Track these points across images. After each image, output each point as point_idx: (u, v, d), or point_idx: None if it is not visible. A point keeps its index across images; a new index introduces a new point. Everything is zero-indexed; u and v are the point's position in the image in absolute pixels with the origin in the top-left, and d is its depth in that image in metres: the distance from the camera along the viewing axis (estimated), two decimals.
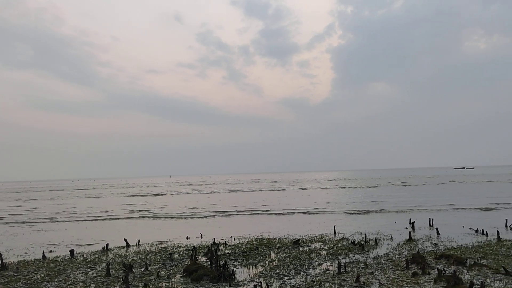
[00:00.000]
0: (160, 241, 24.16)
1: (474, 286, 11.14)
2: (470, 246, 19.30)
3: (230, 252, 19.65)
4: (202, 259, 18.19)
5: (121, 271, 16.07)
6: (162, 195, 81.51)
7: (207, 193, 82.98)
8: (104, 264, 17.53)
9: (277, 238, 23.58)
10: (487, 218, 30.63)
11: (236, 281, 14.16)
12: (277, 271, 15.36)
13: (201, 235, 25.74)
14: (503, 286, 12.19)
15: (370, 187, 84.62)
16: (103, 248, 21.95)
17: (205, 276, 14.56)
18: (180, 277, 14.92)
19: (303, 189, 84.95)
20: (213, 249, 19.63)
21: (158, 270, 15.97)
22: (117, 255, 20.03)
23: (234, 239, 24.03)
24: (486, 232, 23.00)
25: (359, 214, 35.99)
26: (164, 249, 21.26)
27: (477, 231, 23.82)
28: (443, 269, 14.20)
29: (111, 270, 16.26)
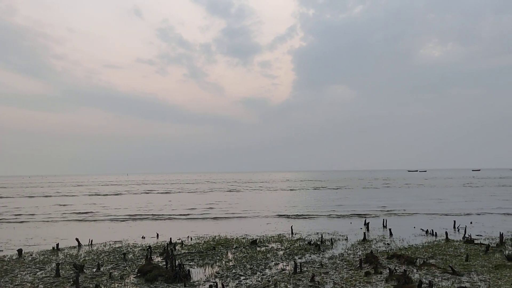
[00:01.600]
0: (114, 241, 23.50)
1: (422, 285, 11.53)
2: (420, 246, 20.01)
3: (186, 252, 19.40)
4: (157, 259, 17.83)
5: (71, 272, 15.48)
6: (111, 195, 79.53)
7: (160, 193, 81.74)
8: (54, 264, 16.82)
9: (235, 238, 23.53)
10: (437, 219, 31.90)
11: (191, 281, 13.97)
12: (234, 271, 15.30)
13: (158, 234, 25.26)
14: (450, 285, 12.69)
15: (330, 188, 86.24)
16: (53, 248, 21.09)
17: (159, 277, 14.27)
18: (134, 277, 14.55)
19: (259, 190, 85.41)
20: (169, 249, 19.31)
21: (110, 271, 15.51)
22: (68, 255, 19.30)
23: (191, 239, 23.76)
24: (436, 232, 23.95)
25: (298, 218, 36.51)
26: (118, 249, 20.69)
27: (427, 232, 24.76)
28: (395, 268, 14.63)
29: (61, 270, 15.63)
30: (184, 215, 38.04)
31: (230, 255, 18.40)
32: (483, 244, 19.92)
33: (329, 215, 36.01)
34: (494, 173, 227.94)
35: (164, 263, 16.27)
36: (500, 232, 21.88)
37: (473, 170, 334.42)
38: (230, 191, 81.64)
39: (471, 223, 29.16)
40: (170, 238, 22.76)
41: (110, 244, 22.35)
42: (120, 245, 22.09)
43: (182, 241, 22.57)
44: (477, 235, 23.45)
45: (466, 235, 22.53)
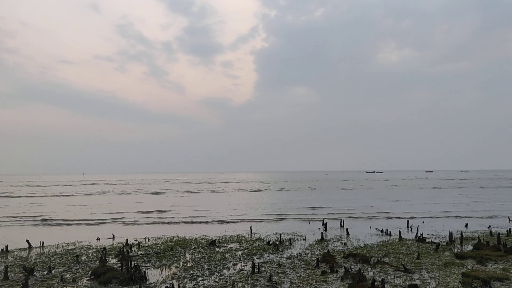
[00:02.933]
0: (67, 243, 22.67)
1: (376, 283, 11.83)
2: (375, 245, 20.57)
3: (143, 253, 19.01)
4: (112, 261, 17.35)
5: (21, 275, 14.80)
6: (64, 195, 76.97)
7: (115, 193, 79.84)
8: (2, 267, 16.02)
9: (194, 239, 23.29)
10: (392, 219, 32.90)
11: (147, 283, 13.70)
12: (191, 272, 15.14)
13: (113, 236, 24.62)
14: (401, 283, 13.11)
15: (287, 190, 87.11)
16: (2, 250, 20.10)
17: (114, 279, 13.90)
18: (87, 280, 14.09)
19: (216, 191, 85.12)
20: (125, 250, 18.86)
21: (62, 273, 14.95)
22: (18, 258, 18.44)
23: (149, 240, 23.31)
24: (390, 232, 24.70)
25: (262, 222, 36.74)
26: (71, 251, 19.98)
27: (382, 231, 25.48)
28: (350, 267, 14.95)
29: (9, 273, 14.90)
30: (127, 219, 37.26)
31: (188, 256, 18.19)
32: (434, 242, 20.73)
33: (288, 216, 36.35)
34: (446, 174, 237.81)
35: (120, 265, 15.86)
36: (449, 231, 22.82)
37: (426, 172, 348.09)
38: (188, 192, 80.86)
39: (423, 222, 30.30)
40: (127, 239, 22.23)
41: (62, 246, 21.55)
42: (73, 247, 21.34)
43: (139, 242, 22.09)
44: (428, 234, 24.36)
45: (418, 234, 23.34)
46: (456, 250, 18.82)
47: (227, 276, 14.43)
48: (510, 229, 24.68)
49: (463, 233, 23.17)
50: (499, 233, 21.30)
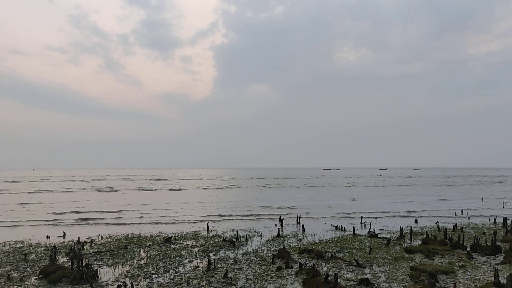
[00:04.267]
0: (15, 241, 21.66)
1: (329, 278, 12.09)
2: (330, 241, 21.02)
3: (96, 251, 18.46)
4: (63, 259, 16.76)
5: None
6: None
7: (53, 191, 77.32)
8: None
9: (149, 236, 22.90)
10: (347, 215, 33.74)
11: (99, 281, 13.33)
12: (146, 269, 14.86)
13: (64, 234, 23.75)
14: (354, 277, 13.49)
15: (247, 187, 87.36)
16: None
17: (64, 278, 13.42)
18: (35, 279, 13.52)
19: (174, 188, 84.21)
20: (76, 248, 18.26)
21: (9, 272, 14.26)
22: None
23: (102, 237, 22.67)
24: (344, 228, 25.32)
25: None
26: (19, 249, 19.10)
27: (336, 227, 26.07)
28: (305, 262, 15.19)
29: None
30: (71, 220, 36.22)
31: (142, 254, 17.84)
32: (385, 238, 21.46)
33: (246, 213, 36.48)
34: (398, 172, 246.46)
35: (70, 263, 15.33)
36: (400, 227, 23.67)
37: (380, 169, 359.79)
38: (141, 189, 79.45)
39: (376, 218, 31.27)
40: (78, 237, 21.50)
41: (10, 244, 20.56)
42: (21, 245, 20.41)
43: (91, 240, 21.44)
44: (381, 230, 25.17)
45: (371, 230, 24.07)
46: (406, 244, 19.55)
47: (183, 273, 14.29)
48: (456, 224, 25.95)
49: (412, 229, 24.12)
50: (445, 228, 22.31)
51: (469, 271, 14.18)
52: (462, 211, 35.95)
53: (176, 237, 22.25)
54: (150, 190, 72.85)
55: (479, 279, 13.14)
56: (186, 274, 14.12)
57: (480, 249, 17.60)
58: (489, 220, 30.02)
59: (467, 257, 16.33)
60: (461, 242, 18.62)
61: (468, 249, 17.76)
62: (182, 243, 20.49)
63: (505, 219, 27.31)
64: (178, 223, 29.11)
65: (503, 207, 40.36)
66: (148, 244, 20.12)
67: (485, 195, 57.86)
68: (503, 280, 12.31)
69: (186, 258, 16.81)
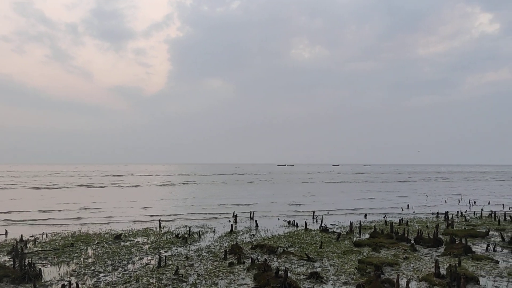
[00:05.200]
0: None
1: (279, 272, 12.23)
2: (283, 236, 21.28)
3: (40, 250, 17.65)
4: (4, 258, 15.92)
5: None
6: None
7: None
8: None
9: (97, 233, 22.20)
10: (300, 211, 34.29)
11: (43, 281, 12.76)
12: (93, 268, 14.38)
13: (6, 232, 22.55)
14: (304, 270, 13.74)
15: (202, 183, 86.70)
16: None
17: (5, 277, 12.77)
18: None
19: (123, 185, 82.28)
20: (18, 246, 17.38)
21: None
22: None
23: (47, 235, 21.73)
24: (297, 223, 25.72)
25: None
26: None
27: (289, 222, 26.44)
28: (257, 258, 15.28)
29: None
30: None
31: (90, 252, 17.26)
32: (336, 232, 22.00)
33: (200, 209, 36.21)
34: (350, 168, 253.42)
35: (12, 262, 14.57)
36: (350, 222, 24.40)
37: (333, 165, 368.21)
38: (89, 186, 77.00)
39: (327, 213, 32.02)
40: (21, 235, 20.47)
41: None
42: None
43: (35, 238, 20.47)
44: (332, 225, 25.79)
45: (322, 225, 24.60)
46: (355, 238, 20.14)
47: (132, 271, 13.96)
48: (402, 218, 27.05)
49: (362, 223, 24.88)
50: (392, 222, 23.21)
51: (412, 263, 14.83)
52: (408, 205, 37.50)
53: (127, 234, 21.72)
54: (100, 187, 70.55)
55: (421, 270, 13.77)
56: (136, 271, 13.81)
57: (423, 242, 18.45)
58: (432, 214, 31.52)
59: (411, 250, 17.06)
60: (406, 235, 19.42)
61: (412, 242, 18.57)
62: (132, 240, 20.02)
63: (447, 213, 28.76)
64: (129, 220, 28.39)
65: (446, 202, 42.52)
66: (96, 242, 19.49)
67: (430, 190, 60.72)
68: (443, 271, 12.95)
69: (136, 256, 16.44)
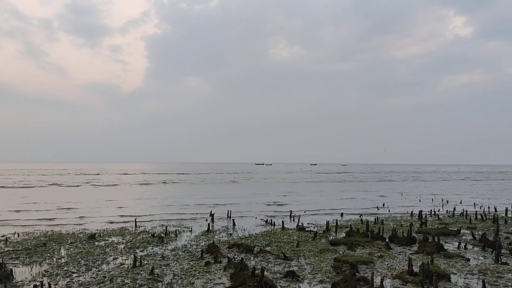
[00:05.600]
0: None
1: (256, 271, 12.24)
2: (260, 235, 21.31)
3: (11, 249, 17.17)
4: None
5: None
6: None
7: None
8: None
9: (71, 233, 21.76)
10: (278, 210, 34.42)
11: (14, 281, 12.42)
12: (66, 268, 14.07)
13: None
14: (281, 269, 13.78)
15: (174, 182, 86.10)
16: None
17: None
18: None
19: (98, 184, 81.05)
20: None
21: None
22: None
23: (19, 235, 21.18)
24: (274, 222, 25.80)
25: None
26: None
27: (266, 221, 26.50)
28: (234, 257, 15.25)
29: None
30: None
31: (63, 252, 16.89)
32: (313, 231, 22.16)
33: (177, 209, 35.94)
34: (328, 167, 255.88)
35: None
36: (326, 220, 24.63)
37: (311, 165, 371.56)
38: (60, 185, 75.49)
39: (305, 212, 32.24)
40: None
41: None
42: None
43: (6, 238, 19.92)
44: (309, 224, 25.97)
45: (299, 224, 24.74)
46: (331, 237, 20.33)
47: (106, 271, 13.72)
48: (377, 217, 27.46)
49: (338, 222, 25.12)
50: (368, 221, 23.53)
51: (387, 261, 15.07)
52: (383, 204, 38.12)
53: (101, 234, 21.35)
54: (74, 186, 69.13)
55: (395, 268, 14.00)
56: (110, 272, 13.58)
57: (397, 240, 18.77)
58: (407, 213, 32.10)
59: (385, 248, 17.34)
60: (381, 234, 19.71)
61: (387, 240, 18.86)
62: (107, 240, 19.69)
63: (421, 212, 29.35)
64: (104, 220, 27.91)
65: (420, 201, 43.38)
66: (69, 242, 19.09)
67: (405, 190, 61.85)
68: (416, 269, 13.20)
69: (111, 255, 16.17)
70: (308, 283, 12.32)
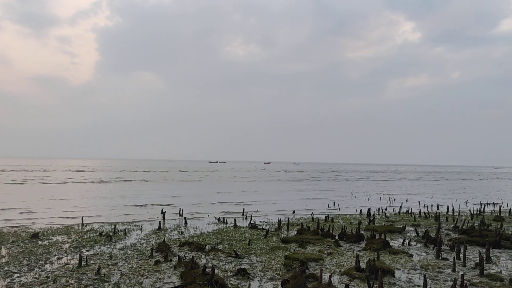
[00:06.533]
0: None
1: (207, 269, 12.15)
2: (212, 233, 21.20)
3: None
4: None
5: None
6: None
7: None
8: None
9: (12, 232, 20.66)
10: (230, 208, 34.41)
11: None
12: (6, 268, 13.34)
13: None
14: (232, 267, 13.77)
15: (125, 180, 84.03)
16: None
17: None
18: None
19: (46, 181, 77.80)
20: None
21: None
22: None
23: None
24: (226, 220, 25.75)
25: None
26: None
27: (219, 220, 26.41)
28: (184, 255, 15.07)
29: None
30: None
31: (4, 251, 16.00)
32: (264, 229, 22.32)
33: (128, 208, 35.10)
34: (281, 166, 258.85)
35: None
36: (278, 218, 24.90)
37: (264, 163, 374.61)
38: (5, 181, 71.76)
39: (257, 210, 32.43)
40: None
41: None
42: None
43: None
44: (261, 221, 26.15)
45: (252, 222, 24.84)
46: (282, 235, 20.56)
47: (50, 271, 13.13)
48: (328, 215, 28.09)
49: (290, 220, 25.49)
50: (318, 219, 24.05)
51: (336, 258, 15.45)
52: (334, 203, 39.09)
53: (45, 233, 20.41)
54: (18, 183, 65.66)
55: (343, 264, 14.39)
56: (54, 272, 13.02)
57: (346, 238, 19.29)
58: (356, 211, 33.10)
59: (335, 245, 17.77)
60: (331, 231, 20.17)
61: (336, 237, 19.34)
62: (51, 239, 18.85)
63: (369, 210, 30.33)
64: (48, 218, 26.73)
65: (369, 200, 44.86)
66: (10, 241, 18.10)
67: (355, 188, 63.75)
68: (363, 265, 13.62)
69: (55, 255, 15.50)
70: (258, 280, 12.40)
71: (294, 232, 21.41)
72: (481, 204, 38.03)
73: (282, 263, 14.27)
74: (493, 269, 13.92)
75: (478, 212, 31.54)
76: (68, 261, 14.63)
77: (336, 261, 14.91)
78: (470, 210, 31.51)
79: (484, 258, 14.14)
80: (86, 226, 23.10)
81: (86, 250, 16.49)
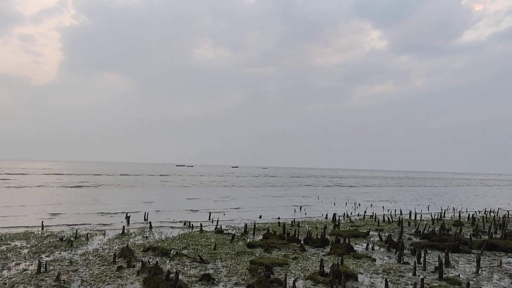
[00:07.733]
0: None
1: (171, 275, 12.00)
2: (177, 238, 20.94)
3: None
4: None
5: None
6: None
7: None
8: None
9: None
10: (197, 213, 34.15)
11: None
12: None
13: None
14: (196, 273, 13.65)
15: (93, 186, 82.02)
16: None
17: None
18: None
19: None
20: None
21: None
22: None
23: None
24: (192, 224, 25.52)
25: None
26: None
27: (185, 224, 26.16)
28: (148, 260, 14.85)
29: None
30: None
31: None
32: (231, 233, 22.27)
33: (88, 212, 34.25)
34: (249, 170, 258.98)
35: None
36: (245, 223, 24.90)
37: (232, 167, 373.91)
38: None
39: (224, 215, 32.34)
40: None
41: None
42: None
43: None
44: (227, 226, 26.07)
45: (218, 226, 24.73)
46: (248, 240, 20.57)
47: (7, 277, 12.63)
48: (294, 219, 28.33)
49: (256, 224, 25.54)
50: (284, 224, 24.18)
51: (301, 262, 15.59)
52: (300, 207, 39.47)
53: (3, 238, 19.62)
54: None
55: (308, 269, 14.54)
56: (11, 278, 12.52)
57: (312, 242, 19.51)
58: (322, 215, 33.54)
59: (300, 250, 17.94)
60: (296, 236, 20.36)
61: (302, 242, 19.52)
62: (9, 244, 18.14)
63: (334, 214, 30.78)
64: (6, 223, 25.71)
65: (334, 204, 45.57)
66: None
67: (321, 194, 64.58)
68: (327, 270, 13.80)
69: (13, 261, 14.92)
70: (223, 285, 12.35)
71: (260, 237, 21.47)
72: (441, 209, 39.28)
73: (247, 268, 14.26)
74: (452, 273, 14.41)
75: (439, 217, 32.60)
76: (27, 267, 14.11)
77: (301, 266, 15.05)
78: (431, 215, 32.56)
79: (443, 262, 14.64)
80: (46, 230, 22.36)
81: (46, 256, 15.94)
